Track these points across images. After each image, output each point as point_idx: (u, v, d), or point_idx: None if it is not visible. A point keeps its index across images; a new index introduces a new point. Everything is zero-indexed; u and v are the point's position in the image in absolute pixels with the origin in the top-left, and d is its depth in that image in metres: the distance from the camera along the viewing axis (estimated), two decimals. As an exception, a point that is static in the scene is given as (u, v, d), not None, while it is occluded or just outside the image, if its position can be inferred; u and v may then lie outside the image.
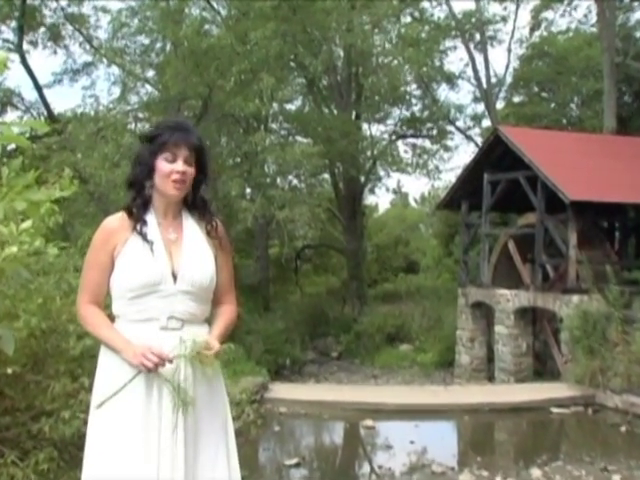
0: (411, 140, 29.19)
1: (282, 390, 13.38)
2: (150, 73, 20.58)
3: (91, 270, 2.85)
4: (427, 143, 29.08)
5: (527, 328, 16.45)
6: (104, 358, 2.82)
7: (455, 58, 57.10)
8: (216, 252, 2.96)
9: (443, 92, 56.24)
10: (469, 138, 29.48)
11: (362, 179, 26.87)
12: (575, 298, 14.46)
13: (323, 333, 23.22)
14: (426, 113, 28.47)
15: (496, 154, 17.11)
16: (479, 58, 27.11)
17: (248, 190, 21.48)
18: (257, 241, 24.80)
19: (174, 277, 2.81)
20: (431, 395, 12.99)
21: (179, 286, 2.81)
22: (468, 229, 18.91)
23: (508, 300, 16.38)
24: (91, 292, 2.84)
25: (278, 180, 20.25)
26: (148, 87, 20.27)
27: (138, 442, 2.69)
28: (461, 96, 75.42)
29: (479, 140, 27.72)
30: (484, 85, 26.79)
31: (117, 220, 2.86)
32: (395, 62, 24.45)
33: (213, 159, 20.82)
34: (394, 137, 28.74)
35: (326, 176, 27.01)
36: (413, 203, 47.45)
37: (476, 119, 29.58)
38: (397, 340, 22.06)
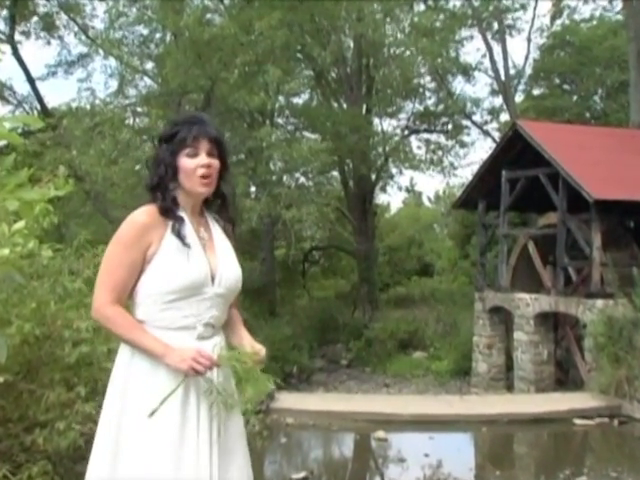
0: (425, 135, 29.20)
1: (289, 400, 13.34)
2: (149, 65, 20.65)
3: (120, 268, 2.76)
4: (442, 139, 29.09)
5: (548, 334, 16.41)
6: (139, 362, 2.75)
7: (472, 49, 56.95)
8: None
9: (459, 85, 56.28)
10: (486, 133, 29.43)
11: (373, 177, 26.87)
12: (599, 303, 14.41)
13: (332, 339, 23.21)
14: (441, 107, 28.46)
15: (515, 150, 17.07)
16: (497, 48, 27.10)
17: (253, 188, 21.48)
18: (262, 242, 24.80)
19: (212, 279, 2.82)
20: (446, 405, 12.96)
21: (216, 289, 2.82)
22: (485, 230, 18.88)
23: (528, 305, 16.34)
24: (118, 292, 2.77)
25: (284, 178, 20.25)
26: (147, 80, 20.34)
27: (175, 446, 2.68)
28: (478, 89, 75.13)
29: (497, 135, 27.66)
30: (502, 77, 26.74)
31: (149, 215, 2.80)
32: (408, 53, 24.43)
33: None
34: (407, 132, 28.76)
35: (335, 174, 27.03)
36: (427, 202, 47.38)
37: (494, 113, 29.54)
38: (410, 347, 22.02)
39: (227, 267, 2.87)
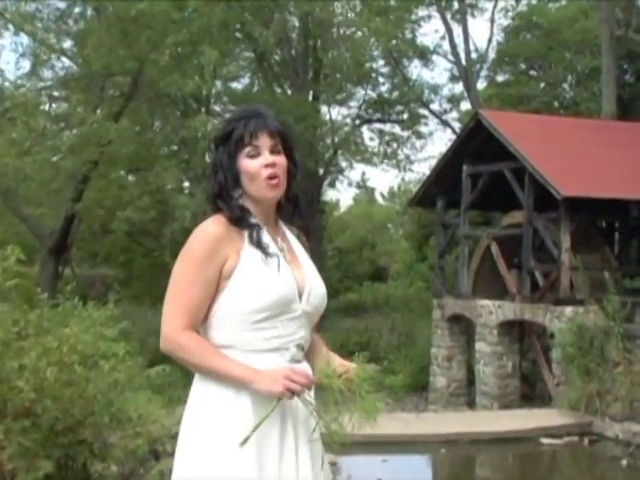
0: (378, 125, 29.35)
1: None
2: (67, 44, 20.35)
3: (193, 288, 2.65)
4: (397, 129, 29.27)
5: (513, 345, 16.58)
6: (219, 391, 2.66)
7: (429, 30, 57.41)
8: None
9: (415, 70, 56.75)
10: (445, 123, 29.69)
11: (321, 171, 26.88)
12: (568, 310, 14.61)
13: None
14: (395, 94, 28.62)
15: (477, 142, 17.22)
16: (457, 30, 27.36)
17: (186, 183, 21.36)
18: (197, 244, 24.60)
19: (300, 296, 2.74)
20: (401, 424, 12.99)
21: (304, 306, 2.75)
22: (444, 230, 19.01)
23: (491, 313, 16.50)
24: (192, 315, 2.66)
25: (222, 172, 20.09)
26: (65, 61, 20.04)
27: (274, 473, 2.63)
28: (436, 74, 75.97)
29: (457, 126, 27.92)
30: (463, 62, 26.98)
31: (223, 226, 2.69)
32: (359, 34, 24.49)
33: (144, 147, 20.69)
34: (358, 122, 28.83)
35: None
36: (380, 199, 47.60)
37: (454, 101, 29.82)
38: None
39: (314, 282, 2.79)
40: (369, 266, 35.33)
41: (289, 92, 25.85)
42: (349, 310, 26.84)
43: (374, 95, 28.85)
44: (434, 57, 29.78)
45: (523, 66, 28.54)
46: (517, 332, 16.75)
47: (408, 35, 27.40)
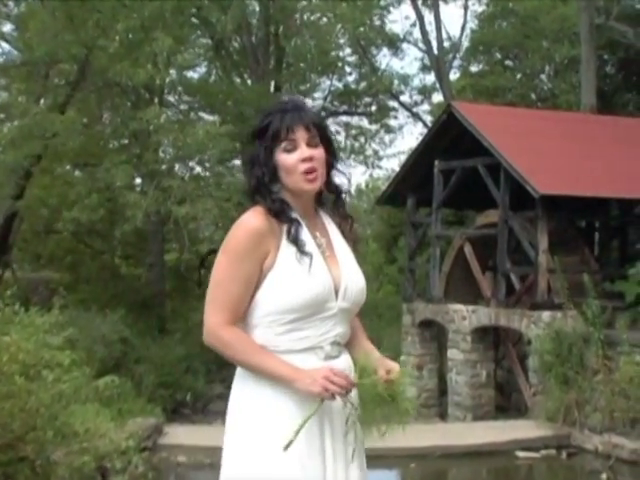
0: (344, 118, 29.38)
1: (181, 434, 13.23)
2: (7, 27, 20.17)
3: (235, 283, 2.80)
4: (364, 122, 29.32)
5: (487, 353, 16.67)
6: (261, 389, 2.82)
7: (399, 16, 57.48)
8: None
9: (384, 59, 56.65)
10: (416, 116, 29.82)
11: (283, 167, 26.84)
12: (546, 315, 14.72)
13: (234, 361, 23.08)
14: (363, 85, 28.67)
15: (449, 137, 17.30)
16: (429, 17, 27.49)
17: (138, 180, 21.22)
18: (150, 245, 24.49)
19: (335, 293, 2.87)
20: (368, 437, 13.01)
21: (340, 303, 2.87)
22: (415, 230, 19.06)
23: (464, 318, 16.58)
24: (233, 310, 2.81)
25: (176, 167, 20.06)
26: (5, 46, 19.88)
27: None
28: (406, 64, 76.26)
29: (429, 119, 28.04)
30: (435, 51, 27.11)
31: (264, 219, 2.82)
32: (324, 20, 24.51)
33: (92, 140, 20.54)
34: (323, 114, 28.82)
35: (238, 163, 26.88)
36: (347, 197, 47.58)
37: (425, 93, 29.95)
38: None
39: (351, 277, 2.92)
40: (335, 268, 35.35)
41: (249, 82, 25.78)
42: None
43: (340, 86, 28.89)
44: (404, 45, 29.96)
45: (498, 56, 28.71)
46: (492, 339, 16.84)
47: (376, 22, 27.47)
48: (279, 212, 2.84)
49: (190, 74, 24.60)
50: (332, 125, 29.13)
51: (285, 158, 2.83)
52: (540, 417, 13.76)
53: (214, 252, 29.50)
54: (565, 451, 12.82)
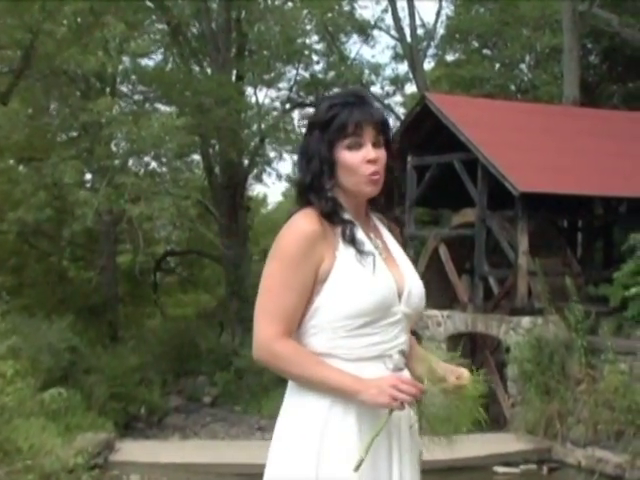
0: (311, 110, 29.31)
1: (135, 450, 13.18)
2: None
3: (289, 291, 2.77)
4: (333, 114, 29.25)
5: (464, 361, 16.70)
6: (322, 404, 2.77)
7: (370, 1, 57.48)
8: None
9: (354, 47, 56.74)
10: (388, 108, 29.81)
11: (246, 162, 26.80)
12: (526, 321, 14.79)
13: (192, 371, 23.01)
14: (331, 74, 28.68)
15: (423, 130, 17.34)
16: (401, 2, 27.54)
17: (88, 176, 21.09)
18: (101, 246, 24.36)
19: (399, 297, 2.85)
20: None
21: (404, 308, 2.86)
22: (386, 229, 19.09)
23: (439, 324, 16.63)
24: (288, 322, 2.78)
25: (130, 163, 19.96)
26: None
27: None
28: (378, 52, 76.24)
29: (401, 111, 28.11)
30: (408, 38, 27.18)
31: (317, 222, 2.79)
32: (290, 5, 24.52)
33: (38, 133, 20.40)
34: (289, 106, 28.84)
35: (197, 158, 26.83)
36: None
37: (397, 83, 30.02)
38: (293, 379, 22.09)
39: (414, 281, 2.91)
40: (301, 271, 35.31)
41: (209, 71, 25.72)
42: (278, 322, 26.79)
43: (307, 75, 28.87)
44: (375, 33, 29.99)
45: (476, 44, 28.84)
46: (468, 346, 16.90)
47: (345, 7, 27.53)
48: (332, 213, 2.82)
49: (145, 62, 24.50)
50: (298, 118, 29.17)
51: (349, 156, 2.79)
52: (519, 430, 13.82)
53: (171, 254, 29.49)
54: (546, 466, 12.88)
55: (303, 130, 28.20)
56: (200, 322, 26.68)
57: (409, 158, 17.61)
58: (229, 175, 25.83)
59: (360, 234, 2.83)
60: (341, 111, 2.81)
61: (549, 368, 13.70)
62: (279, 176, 30.84)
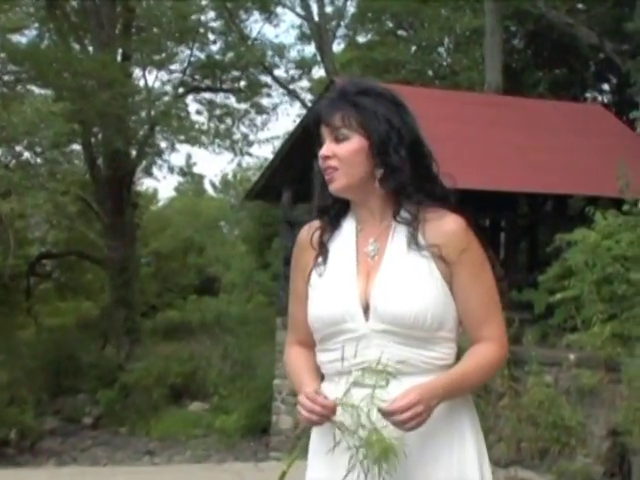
0: (207, 95, 29.31)
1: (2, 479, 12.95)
2: None
3: (290, 300, 3.11)
4: (231, 100, 29.29)
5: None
6: None
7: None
8: (446, 268, 2.93)
9: (255, 25, 56.64)
10: (293, 94, 29.94)
11: (134, 153, 26.63)
12: (444, 330, 14.98)
13: (71, 388, 22.80)
14: (230, 56, 28.63)
15: (332, 118, 17.43)
16: (308, -24, 27.64)
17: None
18: (-34, 247, 23.94)
19: (367, 311, 2.85)
20: (235, 477, 13.04)
21: (373, 324, 2.84)
22: (292, 229, 19.12)
23: (349, 334, 16.73)
24: (294, 330, 3.12)
25: None
26: None
27: None
28: (282, 32, 76.35)
29: (308, 98, 28.22)
30: (315, 17, 27.30)
31: (313, 227, 3.01)
32: (183, -23, 24.44)
33: None
34: (182, 90, 28.72)
35: (77, 147, 26.54)
36: (211, 190, 47.58)
37: (304, 67, 30.09)
38: (186, 396, 22.02)
39: (385, 295, 2.84)
40: (196, 276, 35.24)
41: (90, 49, 25.49)
42: (169, 332, 26.70)
43: (202, 57, 28.80)
44: (279, 10, 30.02)
45: (390, 24, 29.06)
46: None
47: (246, -20, 27.54)
48: (322, 212, 3.01)
49: (16, 38, 24.11)
50: (192, 103, 29.13)
51: (320, 152, 2.98)
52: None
53: (47, 256, 29.10)
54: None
55: (198, 117, 28.20)
56: (81, 333, 26.43)
57: (318, 151, 17.62)
58: (114, 167, 25.62)
59: (343, 241, 2.94)
60: (315, 106, 3.02)
61: (468, 381, 13.87)
62: (171, 169, 30.62)
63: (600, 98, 25.76)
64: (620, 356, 11.17)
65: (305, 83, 30.49)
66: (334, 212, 2.98)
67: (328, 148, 2.94)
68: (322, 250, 2.93)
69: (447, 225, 3.03)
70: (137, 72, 27.83)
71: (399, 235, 2.94)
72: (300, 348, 3.05)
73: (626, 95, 21.11)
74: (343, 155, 2.93)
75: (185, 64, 28.79)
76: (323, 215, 2.99)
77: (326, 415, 2.71)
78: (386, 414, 2.65)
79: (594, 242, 12.20)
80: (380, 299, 2.84)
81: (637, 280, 11.48)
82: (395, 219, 2.94)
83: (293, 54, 30.48)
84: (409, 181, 2.94)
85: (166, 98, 27.87)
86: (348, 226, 2.97)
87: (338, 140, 2.94)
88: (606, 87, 26.11)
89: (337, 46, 29.13)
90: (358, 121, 2.92)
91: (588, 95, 25.81)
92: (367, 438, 2.67)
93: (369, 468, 2.68)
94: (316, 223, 2.99)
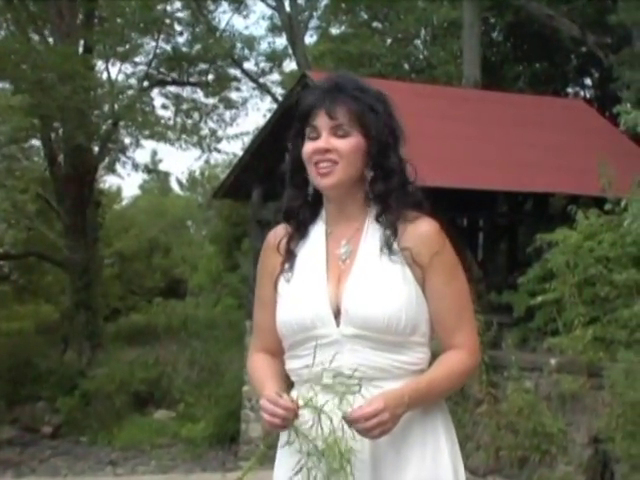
0: (173, 89, 29.22)
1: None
2: None
3: (255, 305, 3.11)
4: (199, 95, 29.21)
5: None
6: None
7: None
8: (419, 271, 2.92)
9: (224, 16, 56.59)
10: (264, 88, 29.90)
11: (96, 149, 26.53)
12: (420, 334, 15.00)
13: (29, 396, 22.71)
14: (197, 48, 28.56)
15: (304, 114, 17.44)
16: (279, -35, 27.62)
17: None
18: None
19: (338, 315, 2.86)
20: (203, 489, 13.05)
21: (344, 329, 2.85)
22: (262, 229, 19.10)
23: (322, 338, 16.75)
24: (259, 337, 3.12)
25: (-45, 148, 19.58)
26: None
27: None
28: (251, 23, 76.20)
29: (279, 92, 28.21)
30: (287, 7, 27.28)
31: (281, 230, 3.01)
32: (149, -35, 24.38)
33: None
34: (147, 84, 28.62)
35: (37, 143, 26.42)
36: (177, 188, 47.50)
37: (274, 59, 30.06)
38: (150, 404, 21.97)
39: (357, 298, 2.85)
40: (161, 278, 35.17)
41: (51, 41, 25.39)
42: (133, 336, 26.60)
43: (168, 49, 28.69)
44: (249, 1, 29.99)
45: (364, 16, 29.09)
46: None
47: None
48: (288, 215, 2.99)
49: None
50: (158, 97, 29.06)
51: (305, 146, 2.94)
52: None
53: (4, 257, 28.95)
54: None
55: (164, 112, 28.15)
56: (40, 338, 26.33)
57: (289, 147, 17.63)
58: (76, 164, 25.52)
59: (312, 244, 2.95)
60: (305, 97, 2.95)
61: (446, 388, 13.89)
62: (135, 166, 30.47)
63: (582, 93, 25.86)
64: (602, 361, 11.24)
65: (276, 77, 30.50)
66: (302, 216, 2.97)
67: (328, 141, 2.89)
68: (289, 256, 2.94)
69: (421, 228, 3.00)
70: (100, 65, 27.73)
71: (372, 237, 2.95)
72: (264, 355, 3.03)
73: (609, 90, 21.15)
74: (345, 151, 2.90)
75: (150, 56, 28.64)
76: (290, 218, 2.97)
77: (289, 418, 2.71)
78: (350, 421, 2.66)
79: (576, 243, 12.25)
80: (351, 302, 2.85)
81: (620, 282, 11.54)
82: (377, 221, 2.95)
83: (263, 46, 30.45)
84: (397, 186, 2.97)
85: (130, 92, 27.77)
86: (317, 229, 2.98)
87: (337, 135, 2.90)
88: (588, 81, 26.25)
89: (309, 38, 29.18)
90: (360, 118, 2.92)
91: (570, 90, 25.92)
92: (323, 447, 2.69)
93: (315, 477, 2.71)
94: (282, 228, 2.98)
